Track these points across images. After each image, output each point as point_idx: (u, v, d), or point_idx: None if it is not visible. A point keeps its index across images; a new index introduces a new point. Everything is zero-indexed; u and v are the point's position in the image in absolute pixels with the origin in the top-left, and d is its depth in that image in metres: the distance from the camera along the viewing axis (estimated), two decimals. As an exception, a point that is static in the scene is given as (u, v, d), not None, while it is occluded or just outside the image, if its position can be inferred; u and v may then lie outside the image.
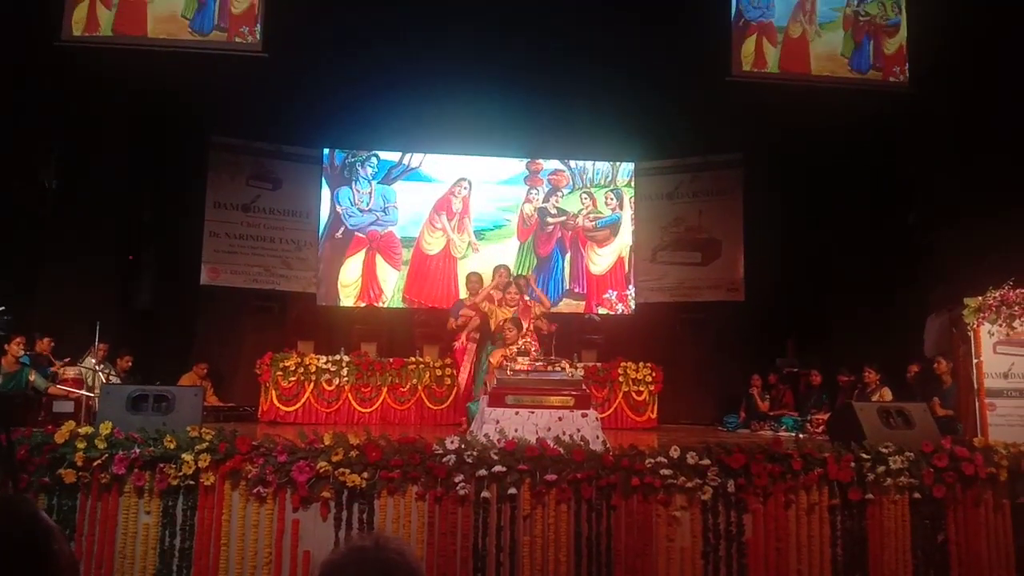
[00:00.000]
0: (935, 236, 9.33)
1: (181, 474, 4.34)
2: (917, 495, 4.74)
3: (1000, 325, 6.19)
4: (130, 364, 8.57)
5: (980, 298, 6.26)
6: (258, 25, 8.93)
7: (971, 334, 6.26)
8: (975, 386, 6.17)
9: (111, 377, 7.94)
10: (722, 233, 10.99)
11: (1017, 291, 6.18)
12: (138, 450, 4.37)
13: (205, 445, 4.39)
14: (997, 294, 6.21)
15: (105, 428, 4.45)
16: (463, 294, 8.94)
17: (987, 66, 8.56)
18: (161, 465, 4.37)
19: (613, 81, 9.84)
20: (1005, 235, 7.55)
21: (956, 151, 9.06)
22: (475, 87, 9.76)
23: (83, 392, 7.12)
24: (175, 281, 10.32)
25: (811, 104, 9.53)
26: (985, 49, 8.57)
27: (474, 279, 8.41)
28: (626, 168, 11.32)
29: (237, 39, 8.94)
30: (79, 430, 4.46)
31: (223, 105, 9.94)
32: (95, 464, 4.35)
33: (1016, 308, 6.17)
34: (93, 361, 7.77)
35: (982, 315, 6.23)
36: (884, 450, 4.78)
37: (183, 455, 4.36)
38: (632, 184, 11.30)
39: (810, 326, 10.48)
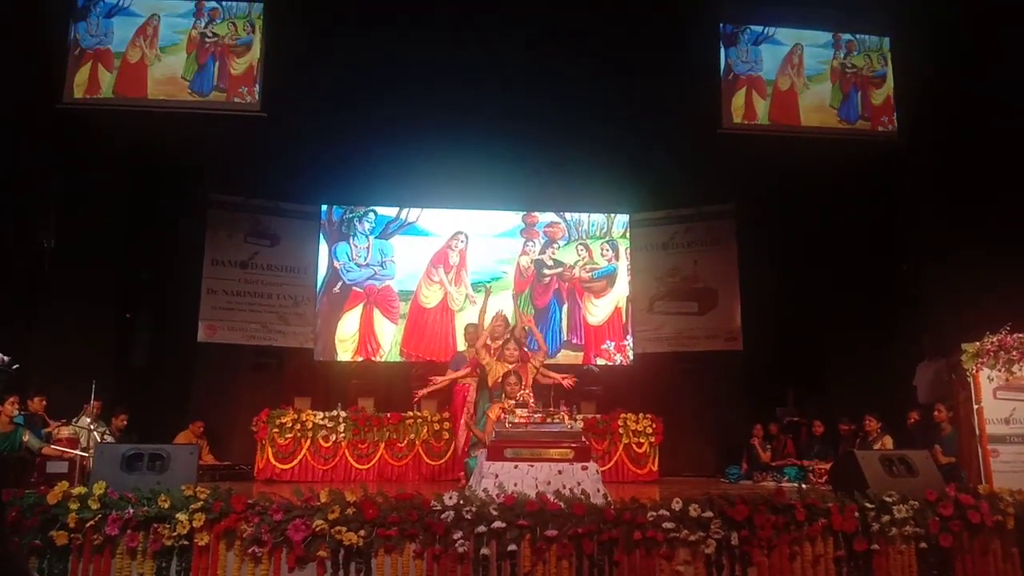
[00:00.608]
0: (924, 283, 9.38)
1: (175, 534, 4.28)
2: (923, 544, 4.66)
3: (999, 370, 6.16)
4: (125, 423, 8.47)
5: (978, 343, 6.25)
6: (257, 85, 9.13)
7: (970, 380, 6.23)
8: (977, 432, 6.11)
9: (106, 436, 7.85)
10: (718, 283, 11.02)
11: (1015, 336, 6.17)
12: (132, 510, 4.32)
13: (200, 504, 4.34)
14: (995, 339, 6.19)
15: (99, 488, 4.39)
16: (461, 347, 8.91)
17: (972, 114, 8.71)
18: (155, 525, 4.31)
19: (607, 134, 9.99)
20: (994, 281, 7.60)
21: (945, 198, 9.17)
22: (471, 142, 9.90)
23: (78, 452, 7.03)
24: (172, 338, 10.29)
25: (802, 154, 9.68)
26: (970, 98, 8.74)
27: (472, 330, 8.37)
28: (621, 220, 11.42)
29: (236, 99, 9.13)
30: (72, 491, 4.41)
31: (222, 163, 10.06)
32: (88, 525, 4.29)
33: (1015, 353, 6.14)
34: (88, 420, 7.69)
35: (981, 360, 6.20)
36: (888, 499, 4.72)
37: (177, 515, 4.30)
38: (627, 235, 11.37)
39: (809, 375, 10.44)
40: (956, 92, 8.87)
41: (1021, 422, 6.07)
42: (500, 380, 6.82)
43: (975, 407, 6.16)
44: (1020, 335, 6.16)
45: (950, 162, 9.07)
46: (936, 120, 9.18)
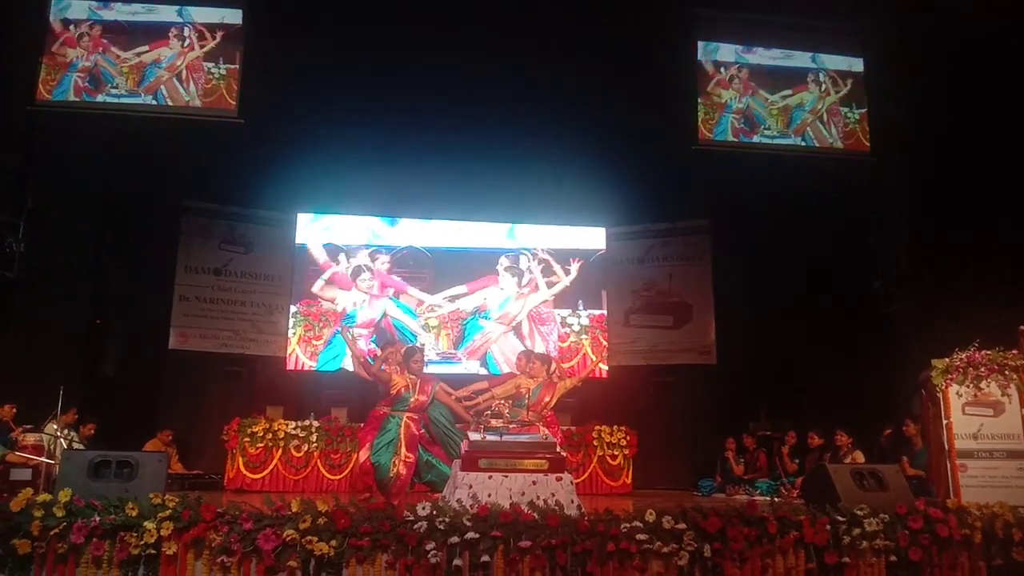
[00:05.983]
0: (896, 300, 9.51)
1: (142, 543, 4.20)
2: (893, 558, 4.70)
3: (968, 386, 6.25)
4: (93, 432, 8.34)
5: (947, 360, 6.33)
6: (234, 92, 9.04)
7: (940, 396, 6.31)
8: (946, 447, 6.19)
9: (74, 444, 7.72)
10: (692, 297, 11.10)
11: (983, 353, 6.27)
12: (98, 518, 4.23)
13: (168, 512, 4.26)
14: (964, 356, 6.29)
15: (64, 495, 4.30)
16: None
17: (945, 136, 8.86)
18: (122, 534, 4.23)
19: (584, 149, 10.03)
20: (964, 299, 7.73)
21: (917, 218, 9.31)
22: (449, 154, 9.91)
23: (43, 459, 6.91)
24: (142, 346, 10.12)
25: (776, 172, 9.79)
26: (942, 120, 8.90)
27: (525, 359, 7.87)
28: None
29: (213, 106, 9.04)
30: (36, 498, 4.32)
31: (197, 170, 9.97)
32: (52, 533, 4.20)
33: (983, 369, 6.23)
34: (55, 427, 7.55)
35: (950, 377, 6.29)
36: (859, 512, 4.76)
37: (145, 523, 4.22)
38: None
39: (782, 390, 10.51)
40: (929, 114, 9.03)
41: (988, 437, 6.16)
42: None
43: (944, 423, 6.24)
44: (988, 352, 6.26)
45: (923, 183, 9.22)
46: (909, 141, 9.34)
